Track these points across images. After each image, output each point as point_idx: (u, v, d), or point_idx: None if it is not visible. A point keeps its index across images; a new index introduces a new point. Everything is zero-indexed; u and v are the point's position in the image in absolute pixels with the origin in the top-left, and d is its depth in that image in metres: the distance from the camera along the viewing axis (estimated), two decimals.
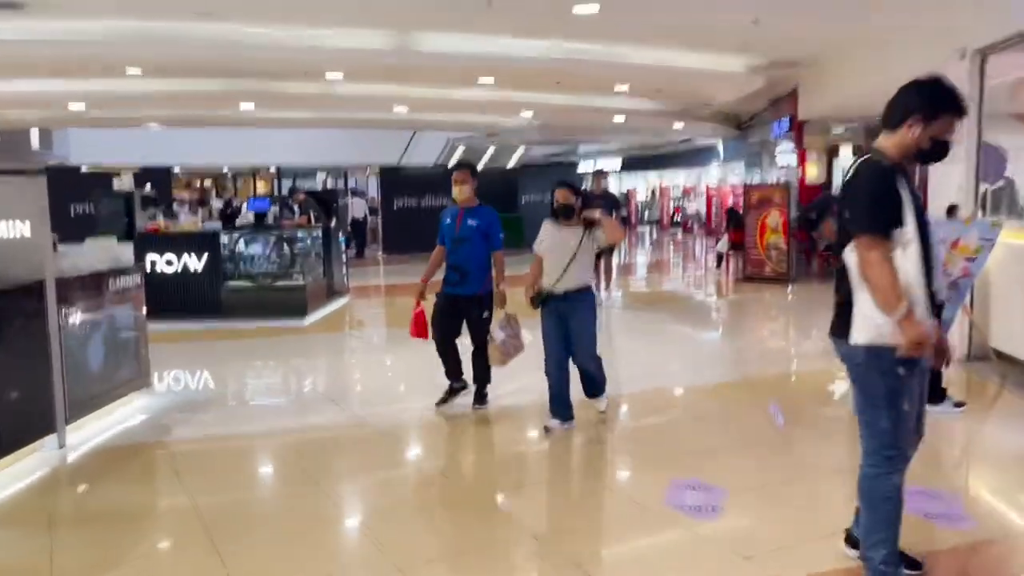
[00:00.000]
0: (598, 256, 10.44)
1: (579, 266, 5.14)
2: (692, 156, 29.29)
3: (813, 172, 17.58)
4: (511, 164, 29.04)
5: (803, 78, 13.27)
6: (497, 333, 5.54)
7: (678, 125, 19.83)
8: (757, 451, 4.99)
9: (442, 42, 10.09)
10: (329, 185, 26.93)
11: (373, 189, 26.96)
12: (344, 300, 11.88)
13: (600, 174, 11.05)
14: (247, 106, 15.15)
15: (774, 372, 7.41)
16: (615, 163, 34.34)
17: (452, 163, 28.11)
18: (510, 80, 13.14)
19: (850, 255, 2.81)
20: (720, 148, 25.57)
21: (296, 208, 11.97)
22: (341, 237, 12.38)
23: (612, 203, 10.18)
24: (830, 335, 3.02)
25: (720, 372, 7.44)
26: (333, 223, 12.17)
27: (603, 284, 11.02)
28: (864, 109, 13.35)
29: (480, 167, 30.10)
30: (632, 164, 33.86)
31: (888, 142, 2.91)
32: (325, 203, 12.63)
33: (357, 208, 21.40)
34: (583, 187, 17.87)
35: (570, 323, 5.15)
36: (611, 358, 8.29)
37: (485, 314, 5.67)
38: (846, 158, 17.82)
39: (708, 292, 13.90)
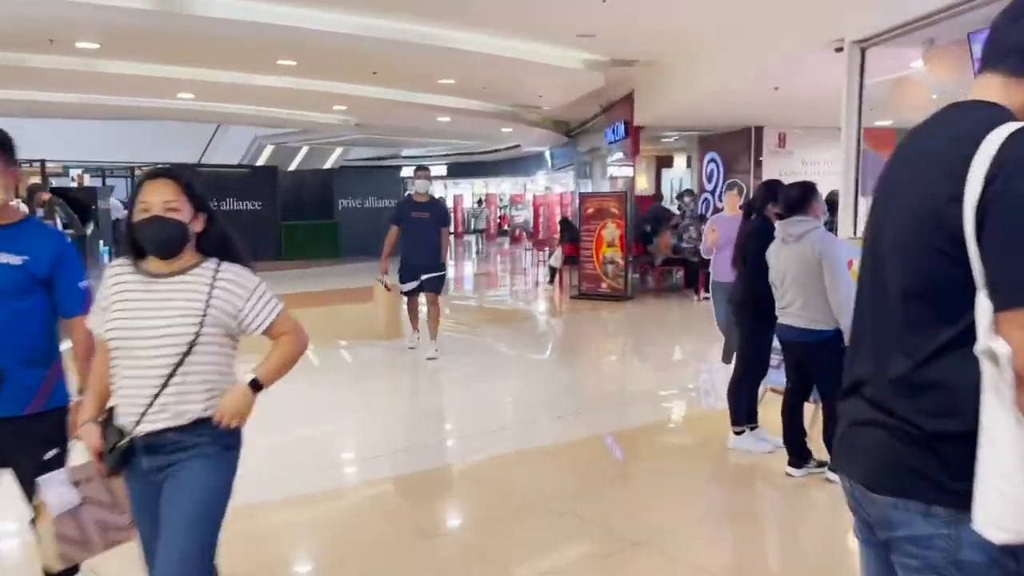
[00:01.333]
0: (415, 291, 7.79)
1: (197, 376, 2.18)
2: (520, 163, 28.45)
3: (642, 183, 16.92)
4: (328, 165, 26.87)
5: (640, 81, 12.36)
6: (54, 493, 2.34)
7: (506, 129, 18.64)
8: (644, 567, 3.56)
9: (221, 6, 8.09)
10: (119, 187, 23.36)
11: None
12: None
13: (422, 169, 8.15)
14: None
15: (631, 420, 6.10)
16: (440, 169, 32.92)
17: (260, 162, 25.53)
18: (317, 65, 11.26)
19: (999, 347, 1.26)
20: (548, 156, 24.77)
21: (39, 211, 9.46)
22: (103, 247, 10.01)
23: (440, 215, 8.10)
24: (867, 485, 1.50)
25: (565, 425, 6.02)
26: (90, 229, 9.78)
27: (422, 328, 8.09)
28: (704, 117, 12.67)
29: (293, 167, 27.65)
30: (458, 170, 32.59)
31: (1010, 97, 1.45)
32: (80, 204, 10.15)
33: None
34: (407, 191, 15.81)
35: (164, 504, 2.18)
36: (427, 409, 6.70)
37: (50, 454, 2.56)
38: (680, 168, 17.35)
39: (541, 311, 12.65)
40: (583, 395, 6.92)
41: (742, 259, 4.94)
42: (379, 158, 30.58)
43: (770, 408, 5.13)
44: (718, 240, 6.61)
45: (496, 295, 14.98)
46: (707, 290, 12.50)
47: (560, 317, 11.85)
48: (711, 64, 9.38)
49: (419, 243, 7.68)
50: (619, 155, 14.70)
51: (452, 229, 31.38)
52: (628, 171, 14.37)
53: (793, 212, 4.37)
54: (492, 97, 14.58)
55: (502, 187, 33.35)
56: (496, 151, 27.15)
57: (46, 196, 9.65)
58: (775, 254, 4.46)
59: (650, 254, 13.65)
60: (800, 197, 4.37)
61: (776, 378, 5.21)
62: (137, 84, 12.33)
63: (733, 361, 5.30)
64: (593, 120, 16.91)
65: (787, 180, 4.94)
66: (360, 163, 28.77)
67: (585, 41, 9.90)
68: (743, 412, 5.05)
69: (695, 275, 12.55)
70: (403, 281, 7.80)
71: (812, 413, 4.88)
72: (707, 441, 5.35)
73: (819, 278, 4.20)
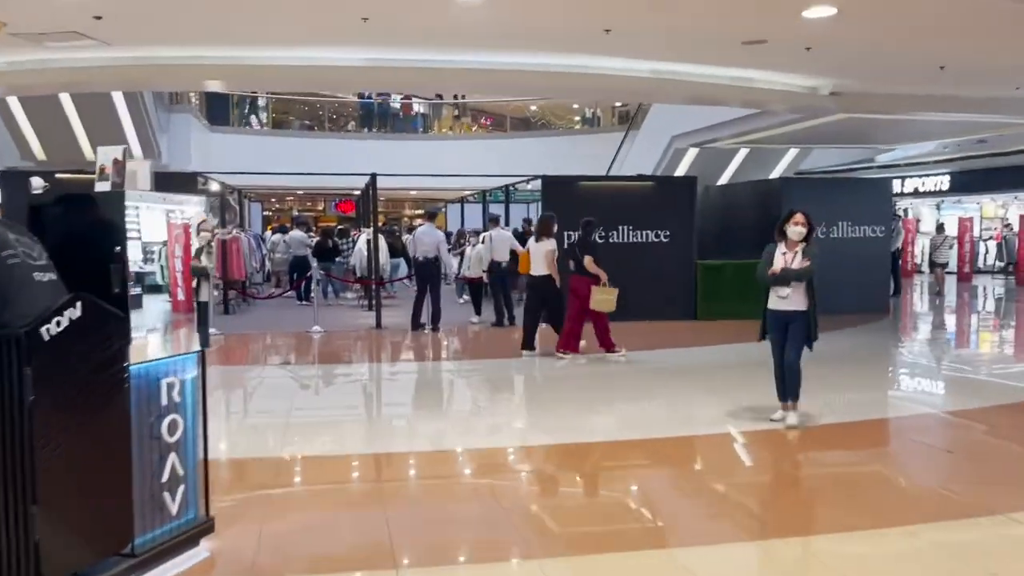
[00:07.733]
0: None
1: None
2: None
3: None
4: (775, 175, 18.72)
5: None
6: None
7: None
8: None
9: None
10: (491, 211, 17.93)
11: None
12: None
13: None
14: None
15: None
16: (940, 181, 22.54)
17: (679, 173, 18.42)
18: None
19: None
20: None
21: None
22: None
23: None
24: None
25: None
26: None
27: None
28: None
29: (724, 180, 19.87)
30: (967, 183, 21.87)
31: None
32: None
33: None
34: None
35: None
36: None
37: None
38: None
39: None
40: None
41: None
42: (846, 167, 21.56)
43: None
44: None
45: None
46: None
47: None
48: None
49: None
50: None
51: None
52: None
53: None
54: None
55: None
56: None
57: None
58: None
59: None
60: None
61: None
62: None
63: None
64: None
65: None
66: (820, 172, 20.27)
67: None
68: None
69: None
70: None
71: None
72: None
73: None
